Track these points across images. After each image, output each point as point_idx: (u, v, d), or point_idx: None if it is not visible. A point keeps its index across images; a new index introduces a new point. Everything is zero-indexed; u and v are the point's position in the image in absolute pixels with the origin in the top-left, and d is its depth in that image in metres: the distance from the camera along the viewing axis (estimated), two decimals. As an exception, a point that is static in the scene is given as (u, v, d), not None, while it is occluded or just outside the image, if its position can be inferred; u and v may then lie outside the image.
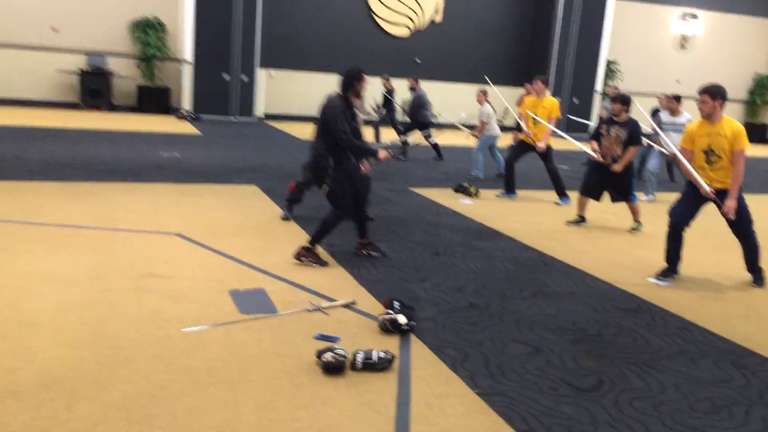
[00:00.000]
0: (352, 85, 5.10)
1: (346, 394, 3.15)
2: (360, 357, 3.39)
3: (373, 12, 18.21)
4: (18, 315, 3.80)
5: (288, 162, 10.17)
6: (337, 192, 5.13)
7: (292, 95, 17.46)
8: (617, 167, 6.92)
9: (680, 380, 3.59)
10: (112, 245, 5.29)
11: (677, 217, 5.37)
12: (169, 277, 4.64)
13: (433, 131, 11.91)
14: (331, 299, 4.40)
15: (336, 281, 4.82)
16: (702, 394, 3.45)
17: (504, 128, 11.35)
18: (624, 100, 6.92)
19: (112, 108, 15.79)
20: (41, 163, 8.62)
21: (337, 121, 4.99)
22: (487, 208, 7.94)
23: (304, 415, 2.95)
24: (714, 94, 5.11)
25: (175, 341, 3.60)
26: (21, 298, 4.07)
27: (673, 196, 7.17)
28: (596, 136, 7.12)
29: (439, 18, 18.82)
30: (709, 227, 6.45)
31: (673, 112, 8.91)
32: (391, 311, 3.98)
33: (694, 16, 20.98)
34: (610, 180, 7.05)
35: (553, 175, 8.62)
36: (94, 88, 15.54)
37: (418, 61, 18.57)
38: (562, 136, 8.32)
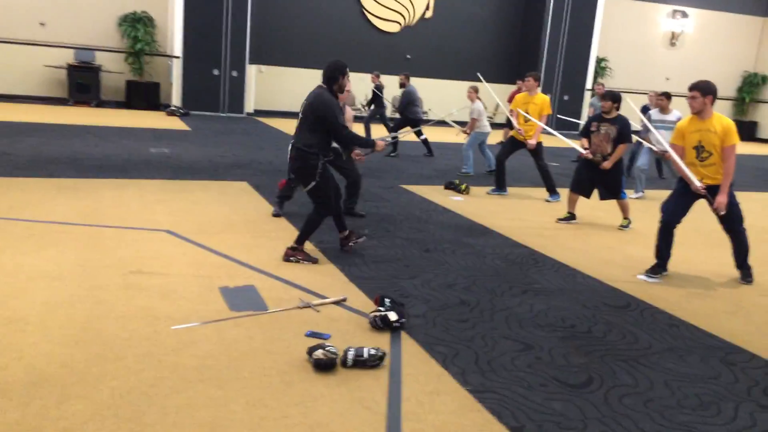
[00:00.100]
0: (336, 80, 5.06)
1: (337, 392, 3.15)
2: (351, 354, 3.38)
3: (364, 8, 18.18)
4: (5, 312, 3.77)
5: (278, 158, 10.14)
6: (323, 188, 5.11)
7: (282, 91, 17.42)
8: (607, 165, 6.94)
9: (669, 377, 3.61)
10: (100, 242, 5.26)
11: (669, 213, 5.40)
12: (159, 273, 4.62)
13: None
14: (321, 296, 4.39)
15: (326, 278, 4.81)
16: (690, 390, 3.48)
17: (494, 125, 11.36)
18: (614, 98, 6.94)
19: (101, 103, 15.68)
20: (29, 158, 8.55)
21: (336, 116, 4.98)
22: (478, 205, 7.95)
23: (294, 412, 2.94)
24: (704, 90, 5.14)
25: (165, 338, 3.58)
26: (8, 294, 4.04)
27: (662, 193, 7.19)
28: (586, 133, 7.14)
29: (429, 14, 18.81)
30: (698, 224, 6.49)
31: (663, 110, 8.96)
32: (381, 308, 3.98)
33: (684, 14, 21.09)
34: (600, 177, 7.08)
35: (544, 172, 8.64)
36: (82, 83, 15.42)
37: (409, 57, 18.56)
38: (552, 134, 8.34)
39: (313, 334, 3.76)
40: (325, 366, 3.32)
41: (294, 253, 5.11)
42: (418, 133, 11.93)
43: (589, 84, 19.25)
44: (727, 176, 5.14)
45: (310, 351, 3.39)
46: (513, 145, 8.75)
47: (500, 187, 8.83)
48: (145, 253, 5.04)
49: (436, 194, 8.40)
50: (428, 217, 7.08)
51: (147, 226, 5.82)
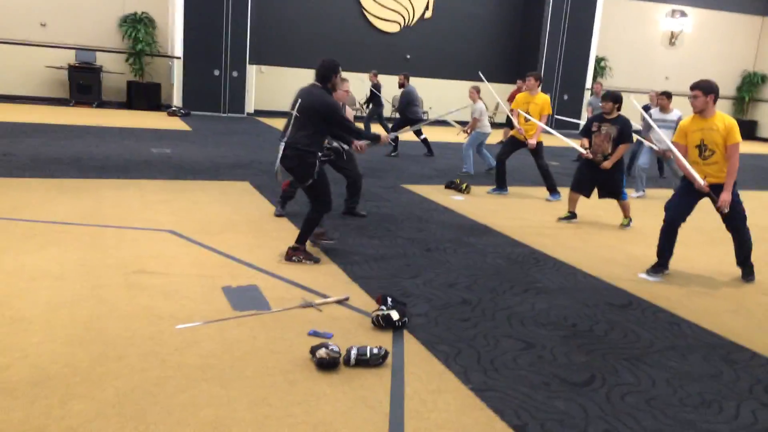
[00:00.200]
0: (330, 78, 5.07)
1: (340, 390, 3.16)
2: (353, 353, 3.39)
3: (364, 8, 18.18)
4: (8, 311, 3.78)
5: (279, 158, 10.12)
6: (320, 185, 5.11)
7: (282, 91, 17.39)
8: (607, 164, 6.95)
9: (671, 375, 3.62)
10: (102, 242, 5.27)
11: (673, 212, 5.41)
12: (161, 273, 4.63)
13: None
14: (324, 296, 4.40)
15: (328, 278, 4.82)
16: (692, 388, 3.48)
17: (494, 125, 11.37)
18: (615, 98, 6.96)
19: (102, 104, 15.69)
20: (30, 159, 8.56)
21: (341, 113, 5.01)
22: (478, 205, 7.96)
23: (298, 411, 2.95)
24: (706, 89, 5.15)
25: (168, 338, 3.59)
26: (11, 294, 4.04)
27: (663, 193, 7.18)
28: (587, 133, 7.15)
29: (429, 14, 18.82)
30: (699, 223, 6.49)
31: (663, 109, 8.97)
32: (383, 307, 3.99)
33: (683, 13, 21.09)
34: (600, 177, 7.09)
35: (544, 171, 8.65)
36: (83, 83, 15.43)
37: (408, 57, 18.57)
38: (551, 133, 8.35)
39: (315, 334, 3.77)
40: (328, 365, 3.33)
41: (296, 253, 5.12)
42: (418, 133, 11.94)
43: (588, 83, 19.25)
44: (730, 174, 5.15)
45: (313, 350, 3.40)
46: (513, 144, 8.76)
47: (501, 186, 8.84)
48: (147, 253, 5.05)
49: (436, 194, 8.41)
50: (429, 217, 7.08)
51: (149, 226, 5.83)
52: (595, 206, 7.79)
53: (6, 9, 15.18)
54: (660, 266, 5.48)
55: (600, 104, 7.86)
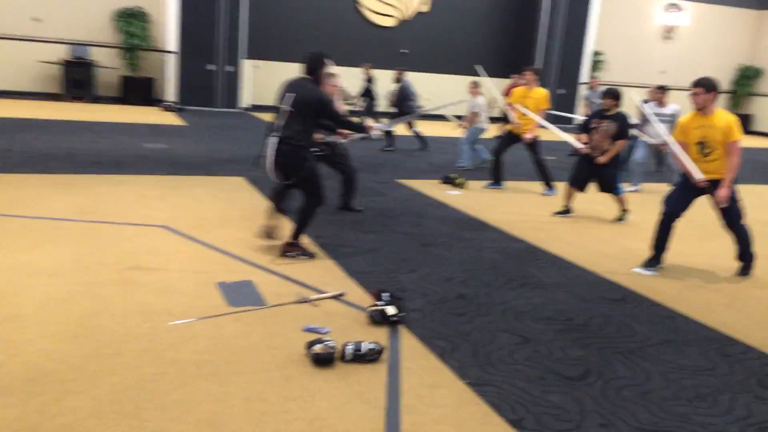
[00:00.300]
0: (316, 71, 5.06)
1: (336, 386, 3.16)
2: (349, 348, 3.39)
3: (359, 2, 18.12)
4: (2, 308, 3.76)
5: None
6: (314, 179, 5.10)
7: (277, 86, 17.33)
8: (603, 159, 6.96)
9: (666, 369, 3.63)
10: (97, 238, 5.25)
11: (671, 206, 5.41)
12: (156, 269, 4.61)
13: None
14: (319, 291, 4.39)
15: (324, 273, 4.81)
16: (687, 382, 3.49)
17: (491, 119, 11.35)
18: (614, 95, 6.96)
19: (96, 99, 15.61)
20: (24, 154, 8.52)
21: (333, 105, 5.00)
22: (475, 199, 7.96)
23: (293, 406, 2.95)
24: (708, 87, 5.16)
25: (163, 334, 3.58)
26: (5, 291, 4.03)
27: (658, 187, 7.18)
28: (586, 129, 7.15)
29: (425, 8, 18.77)
30: (693, 217, 6.49)
31: (660, 103, 8.97)
32: (379, 302, 3.99)
33: (679, 7, 21.09)
34: (596, 172, 7.10)
35: (540, 166, 8.65)
36: (77, 78, 15.33)
37: (404, 51, 18.52)
38: (548, 128, 8.34)
39: (311, 329, 3.76)
40: (323, 360, 3.33)
41: (291, 249, 5.11)
42: (411, 125, 11.92)
43: (584, 78, 19.24)
44: (730, 171, 5.16)
45: (309, 345, 3.40)
46: (510, 139, 8.75)
47: (497, 181, 8.83)
48: (142, 249, 5.03)
49: (432, 189, 8.41)
50: (425, 212, 7.08)
51: (144, 221, 5.81)
52: (591, 201, 7.79)
53: (-1, 3, 15.08)
54: (654, 260, 5.49)
55: (597, 99, 7.86)
